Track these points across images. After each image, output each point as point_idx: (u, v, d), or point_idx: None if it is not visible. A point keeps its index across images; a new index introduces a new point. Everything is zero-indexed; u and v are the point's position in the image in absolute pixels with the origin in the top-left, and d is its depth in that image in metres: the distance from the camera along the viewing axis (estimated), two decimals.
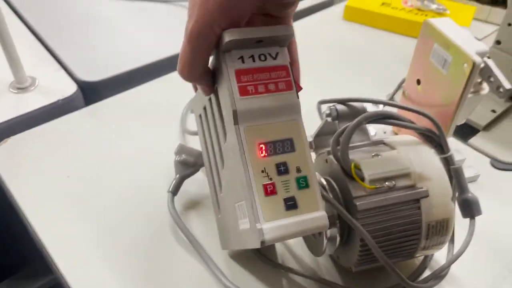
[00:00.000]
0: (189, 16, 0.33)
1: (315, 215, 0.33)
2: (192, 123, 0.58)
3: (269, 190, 0.33)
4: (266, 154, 0.34)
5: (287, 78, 0.35)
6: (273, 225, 0.33)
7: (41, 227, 0.46)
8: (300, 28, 0.79)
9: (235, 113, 0.34)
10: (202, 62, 0.34)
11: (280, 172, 0.34)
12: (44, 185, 0.50)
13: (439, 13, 0.78)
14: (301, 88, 0.37)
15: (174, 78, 0.65)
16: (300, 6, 0.88)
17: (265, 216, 0.33)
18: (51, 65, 0.66)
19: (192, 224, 0.47)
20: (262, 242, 0.32)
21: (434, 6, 0.78)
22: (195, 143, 0.52)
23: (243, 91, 0.34)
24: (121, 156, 0.54)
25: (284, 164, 0.34)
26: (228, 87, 0.34)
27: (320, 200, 0.34)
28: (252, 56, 0.35)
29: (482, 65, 0.44)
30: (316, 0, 0.92)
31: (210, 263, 0.43)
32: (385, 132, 0.55)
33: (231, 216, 0.38)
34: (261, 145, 0.34)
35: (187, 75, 0.35)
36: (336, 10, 0.85)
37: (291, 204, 0.33)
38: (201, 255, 0.43)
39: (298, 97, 0.35)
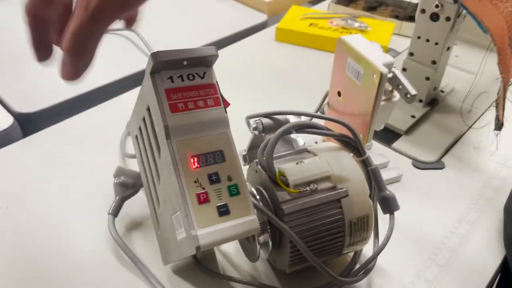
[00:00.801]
0: None
1: (246, 219, 0.36)
2: (131, 147, 0.59)
3: (202, 199, 0.36)
4: (198, 166, 0.36)
5: (215, 95, 0.38)
6: (207, 231, 0.35)
7: None
8: (235, 50, 0.83)
9: (166, 128, 0.36)
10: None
11: (212, 181, 0.36)
12: None
13: (362, 31, 0.84)
14: (228, 104, 0.40)
15: (111, 106, 0.67)
16: (234, 29, 0.93)
17: (199, 223, 0.35)
18: None
19: (135, 244, 0.48)
20: (198, 248, 0.35)
21: (356, 24, 0.84)
22: (135, 165, 0.54)
23: (174, 108, 0.37)
24: (60, 184, 0.54)
25: (216, 173, 0.37)
26: (159, 105, 0.36)
27: (251, 205, 0.37)
28: (181, 76, 0.38)
29: (391, 75, 0.49)
30: (250, 23, 0.96)
31: (153, 280, 0.44)
32: (316, 142, 0.59)
33: (169, 229, 0.40)
34: (193, 157, 0.36)
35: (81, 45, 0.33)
36: (269, 32, 0.89)
37: (223, 211, 0.36)
38: (145, 274, 0.45)
39: (226, 112, 0.38)
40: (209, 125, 0.38)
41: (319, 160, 0.42)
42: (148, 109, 0.39)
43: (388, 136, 0.63)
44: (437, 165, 0.59)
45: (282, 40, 0.86)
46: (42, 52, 0.36)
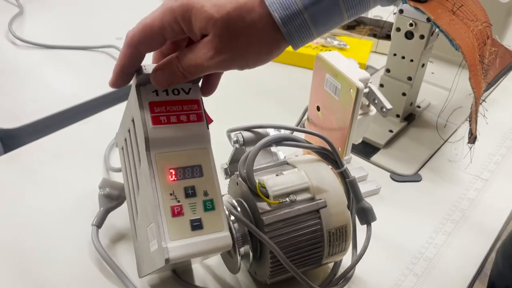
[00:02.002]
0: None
1: (219, 235, 0.37)
2: (115, 161, 0.60)
3: (176, 212, 0.36)
4: (175, 178, 0.37)
5: (199, 111, 0.39)
6: (178, 244, 0.35)
7: None
8: None
9: (147, 140, 0.37)
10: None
11: (188, 195, 0.37)
12: None
13: (341, 48, 0.86)
14: (211, 121, 0.41)
15: (94, 121, 0.67)
16: None
17: (171, 236, 0.35)
18: None
19: (119, 256, 0.48)
20: (167, 260, 0.35)
21: (336, 42, 0.87)
22: (119, 178, 0.54)
23: (156, 121, 0.37)
24: (44, 198, 0.54)
25: (192, 188, 0.37)
26: (141, 117, 0.37)
27: (225, 222, 0.37)
28: (166, 90, 0.39)
29: (367, 90, 0.50)
30: None
31: None
32: (297, 156, 0.60)
33: (144, 240, 0.40)
34: (171, 170, 0.37)
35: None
36: None
37: (196, 225, 0.36)
38: (127, 285, 0.45)
39: (208, 128, 0.39)
40: (190, 139, 0.38)
41: (298, 171, 0.43)
42: (133, 120, 0.40)
43: (367, 150, 0.64)
44: (415, 177, 0.61)
45: None
46: (120, 80, 0.37)
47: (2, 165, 0.59)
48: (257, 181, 0.41)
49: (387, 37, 0.92)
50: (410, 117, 0.70)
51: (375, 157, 0.64)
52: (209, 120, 0.40)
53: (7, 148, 0.63)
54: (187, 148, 0.38)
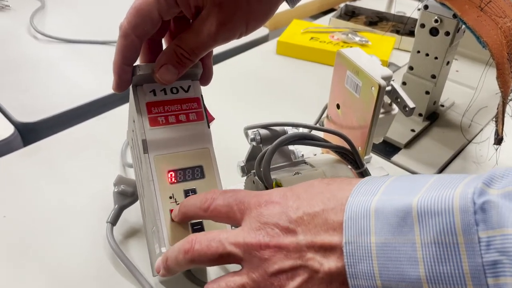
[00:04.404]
0: None
1: None
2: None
3: None
4: (175, 181, 0.36)
5: (199, 109, 0.38)
6: None
7: None
8: (236, 63, 0.84)
9: (144, 143, 0.36)
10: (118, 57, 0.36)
11: None
12: None
13: (363, 45, 0.84)
14: (213, 119, 0.40)
15: (111, 116, 0.67)
16: (237, 42, 0.93)
17: (171, 240, 0.34)
18: None
19: (133, 252, 0.48)
20: None
21: (357, 39, 0.85)
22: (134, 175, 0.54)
23: (153, 122, 0.36)
24: (60, 193, 0.54)
25: (193, 190, 0.36)
26: (139, 118, 0.36)
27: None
28: (164, 89, 0.37)
29: (389, 88, 0.49)
30: (251, 37, 0.97)
31: None
32: (315, 154, 0.59)
33: (151, 242, 0.40)
34: (170, 173, 0.36)
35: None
36: (270, 45, 0.90)
37: (197, 228, 0.35)
38: (141, 283, 0.44)
39: (209, 127, 0.38)
40: (190, 139, 0.37)
41: (316, 171, 0.42)
42: (134, 121, 0.39)
43: (388, 149, 0.63)
44: None
45: (283, 53, 0.86)
46: (124, 79, 0.36)
47: (21, 158, 0.59)
48: (273, 180, 0.40)
49: (411, 33, 0.90)
50: (433, 116, 0.68)
51: (396, 157, 0.62)
52: (210, 118, 0.39)
53: (26, 142, 0.63)
54: (187, 149, 0.37)
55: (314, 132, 0.48)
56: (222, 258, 0.30)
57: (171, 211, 0.35)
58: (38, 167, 0.58)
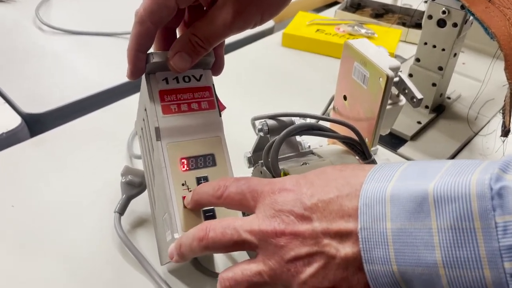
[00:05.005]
0: None
1: None
2: (138, 148, 0.60)
3: None
4: (187, 168, 0.36)
5: (210, 98, 0.38)
6: None
7: None
8: (242, 55, 0.84)
9: (157, 130, 0.36)
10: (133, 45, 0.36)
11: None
12: None
13: (368, 37, 0.84)
14: (224, 108, 0.40)
15: (118, 107, 0.67)
16: (242, 35, 0.93)
17: (184, 227, 0.35)
18: None
19: (141, 242, 0.48)
20: None
21: (363, 31, 0.85)
22: (141, 165, 0.54)
23: (166, 110, 0.37)
24: (67, 184, 0.55)
25: (205, 177, 0.36)
26: (151, 106, 0.37)
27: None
28: (177, 78, 0.38)
29: (397, 79, 0.49)
30: (257, 29, 0.96)
31: (157, 278, 0.44)
32: (321, 146, 0.59)
33: (162, 229, 0.40)
34: (183, 160, 0.36)
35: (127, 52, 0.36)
36: (275, 37, 0.90)
37: (210, 215, 0.36)
38: (149, 272, 0.45)
39: (220, 116, 0.38)
40: (202, 128, 0.37)
41: (323, 161, 0.42)
42: (145, 110, 0.39)
43: (394, 141, 0.63)
44: None
45: (288, 45, 0.86)
46: (138, 66, 0.36)
47: (28, 149, 0.59)
48: (281, 170, 0.40)
49: (417, 26, 0.89)
50: (440, 109, 0.68)
51: (402, 149, 0.62)
52: (221, 107, 0.39)
53: (33, 133, 0.64)
54: (199, 137, 0.37)
55: (321, 123, 0.48)
56: (237, 245, 0.30)
57: (184, 198, 0.35)
58: (45, 158, 0.58)
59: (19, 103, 0.66)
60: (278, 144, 0.40)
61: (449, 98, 0.71)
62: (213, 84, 0.39)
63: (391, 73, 0.45)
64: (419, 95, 0.48)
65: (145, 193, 0.50)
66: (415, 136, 0.64)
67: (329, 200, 0.29)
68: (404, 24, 0.90)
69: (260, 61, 0.82)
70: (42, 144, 0.60)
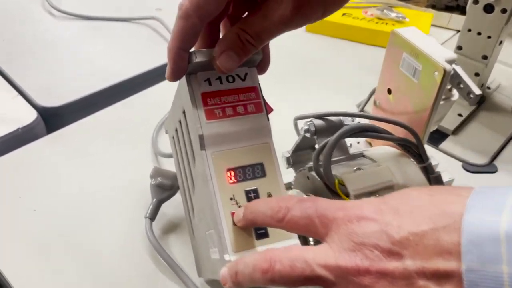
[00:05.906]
0: None
1: (287, 244, 0.32)
2: (164, 145, 0.56)
3: None
4: (235, 181, 0.32)
5: (257, 100, 0.34)
6: (242, 256, 0.31)
7: (7, 266, 0.43)
8: None
9: (201, 138, 0.32)
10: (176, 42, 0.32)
11: (250, 199, 0.32)
12: (8, 221, 0.47)
13: (399, 21, 0.79)
14: (271, 110, 0.36)
15: (139, 99, 0.63)
16: None
17: (234, 247, 0.31)
18: (7, 92, 0.62)
19: (173, 248, 0.45)
20: None
21: (393, 15, 0.80)
22: (169, 165, 0.51)
23: (210, 115, 0.33)
24: (90, 184, 0.51)
25: (255, 190, 0.33)
26: (194, 111, 0.33)
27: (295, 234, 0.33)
28: (220, 78, 0.34)
29: (452, 72, 0.45)
30: None
31: (192, 286, 0.41)
32: (358, 143, 0.55)
33: (203, 244, 0.36)
34: (230, 171, 0.32)
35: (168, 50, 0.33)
36: None
37: (261, 233, 0.32)
38: (183, 280, 0.42)
39: (268, 119, 0.34)
40: (249, 134, 0.34)
41: (380, 167, 0.38)
42: (184, 112, 0.35)
43: (435, 136, 0.59)
44: (489, 168, 0.55)
45: (313, 31, 0.81)
46: (180, 65, 0.32)
47: (45, 146, 0.56)
48: (335, 177, 0.37)
49: (447, 8, 0.84)
50: (480, 100, 0.64)
51: (444, 144, 0.58)
52: (269, 109, 0.35)
53: (50, 128, 0.60)
54: (246, 144, 0.33)
55: (369, 122, 0.44)
56: (309, 281, 0.27)
57: (233, 214, 0.31)
58: (65, 156, 0.54)
59: (34, 95, 0.62)
60: (331, 147, 0.37)
61: (488, 88, 0.67)
62: (259, 84, 0.35)
63: (448, 67, 0.41)
64: (477, 91, 0.44)
65: (177, 195, 0.46)
66: (457, 130, 0.60)
67: (422, 233, 0.24)
68: (434, 7, 0.85)
69: (283, 48, 0.77)
70: (61, 140, 0.57)
